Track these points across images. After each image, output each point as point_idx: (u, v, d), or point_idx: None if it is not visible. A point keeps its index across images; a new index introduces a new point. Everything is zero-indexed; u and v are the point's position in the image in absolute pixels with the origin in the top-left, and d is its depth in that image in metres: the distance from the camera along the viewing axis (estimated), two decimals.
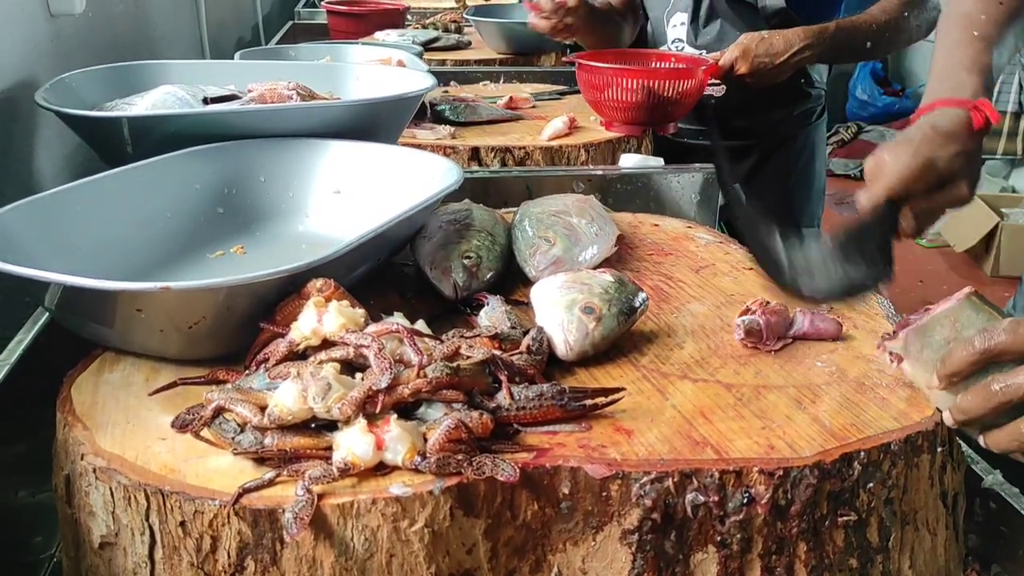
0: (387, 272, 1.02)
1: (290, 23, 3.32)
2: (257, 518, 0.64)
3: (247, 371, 0.77)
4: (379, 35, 2.50)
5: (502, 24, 2.52)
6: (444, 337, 0.79)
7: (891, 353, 0.78)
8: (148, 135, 1.06)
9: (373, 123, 1.16)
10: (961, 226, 4.21)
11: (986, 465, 0.88)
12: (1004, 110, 4.73)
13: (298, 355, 0.76)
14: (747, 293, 1.00)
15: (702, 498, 0.69)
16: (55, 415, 0.76)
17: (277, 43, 2.92)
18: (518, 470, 0.66)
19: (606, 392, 0.76)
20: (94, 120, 1.11)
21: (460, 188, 0.98)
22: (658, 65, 1.72)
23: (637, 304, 0.88)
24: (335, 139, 1.11)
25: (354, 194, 1.08)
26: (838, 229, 0.90)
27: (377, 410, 0.68)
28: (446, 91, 1.93)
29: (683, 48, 1.81)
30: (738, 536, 0.70)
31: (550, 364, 0.82)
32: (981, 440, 0.73)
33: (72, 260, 0.84)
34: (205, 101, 1.21)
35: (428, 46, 2.45)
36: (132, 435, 0.72)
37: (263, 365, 0.76)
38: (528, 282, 0.96)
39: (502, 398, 0.73)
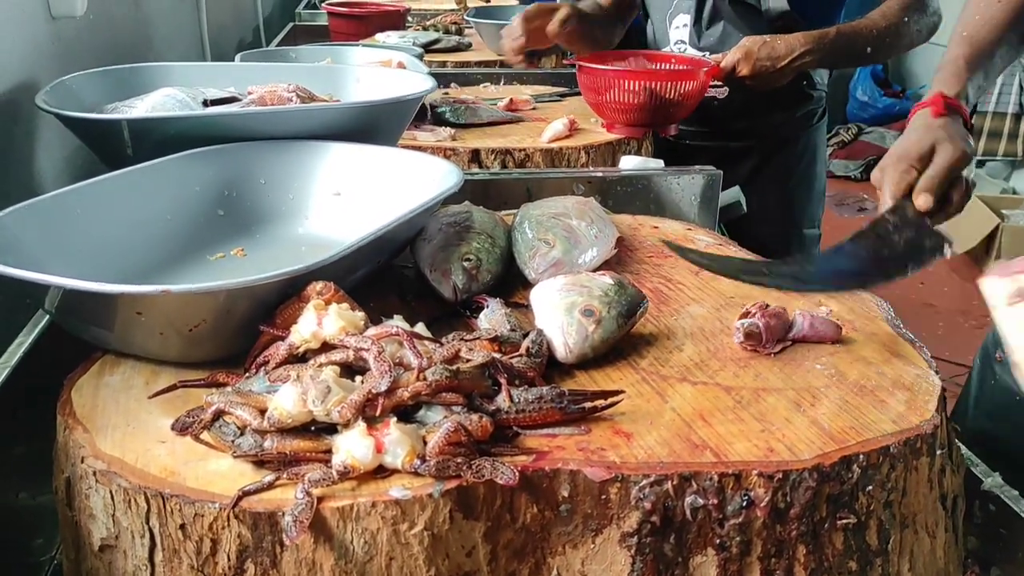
0: (387, 274, 1.02)
1: (291, 25, 3.32)
2: (257, 521, 0.64)
3: (247, 374, 0.77)
4: (380, 37, 2.50)
5: (503, 26, 2.51)
6: (444, 340, 0.79)
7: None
8: (148, 137, 1.07)
9: (373, 125, 1.16)
10: (962, 227, 4.21)
11: (985, 468, 0.88)
12: (1005, 111, 4.73)
13: (298, 358, 0.76)
14: (746, 295, 1.00)
15: (701, 501, 0.69)
16: (55, 418, 0.76)
17: (278, 45, 2.93)
18: (517, 473, 0.66)
19: (605, 395, 0.76)
20: (94, 122, 1.11)
21: (460, 190, 0.98)
22: (659, 66, 1.72)
23: (637, 307, 0.88)
24: (335, 141, 1.11)
25: (354, 196, 1.08)
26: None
27: (377, 413, 0.68)
28: (446, 93, 1.93)
29: (685, 50, 1.80)
30: (737, 539, 0.70)
31: (549, 367, 0.82)
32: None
33: (72, 262, 0.85)
34: (205, 103, 1.21)
35: (429, 48, 2.45)
36: (132, 438, 0.72)
37: (263, 368, 0.76)
38: (528, 284, 0.97)
39: (502, 401, 0.73)
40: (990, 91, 4.73)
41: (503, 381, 0.74)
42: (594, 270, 0.97)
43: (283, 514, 0.63)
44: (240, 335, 0.79)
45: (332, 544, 0.65)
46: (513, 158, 1.55)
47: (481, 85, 2.12)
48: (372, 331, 0.75)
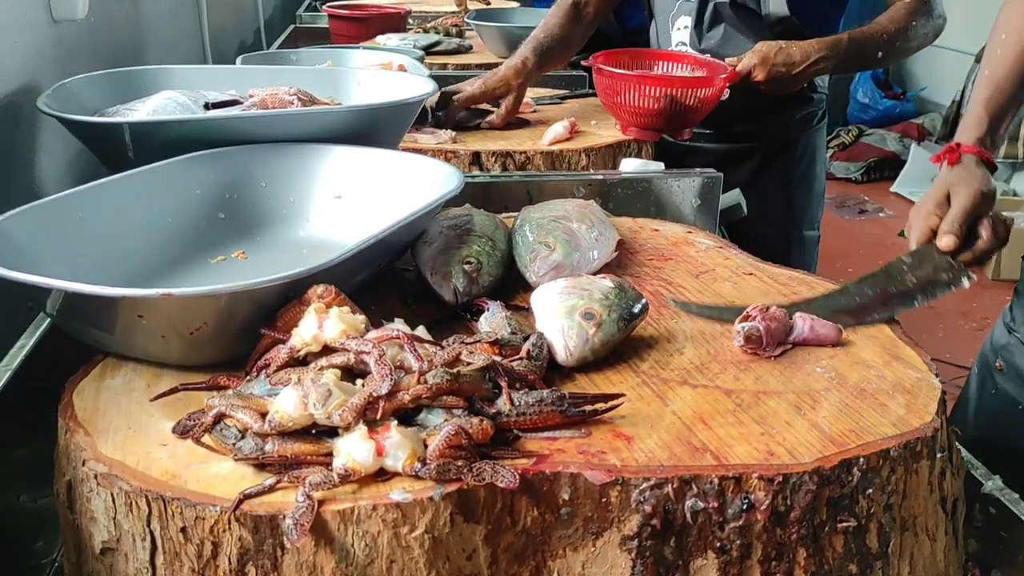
0: (388, 277, 1.02)
1: (292, 27, 3.33)
2: (258, 524, 0.64)
3: (248, 377, 0.77)
4: (380, 39, 2.50)
5: (503, 28, 2.52)
6: (444, 343, 0.79)
7: None
8: (149, 140, 1.07)
9: (374, 128, 1.16)
10: None
11: (986, 470, 0.88)
12: None
13: (299, 361, 0.76)
14: (747, 298, 1.00)
15: (701, 504, 0.69)
16: (57, 421, 0.76)
17: (279, 47, 2.93)
18: (518, 476, 0.66)
19: (606, 398, 0.76)
20: (96, 125, 1.11)
21: (461, 193, 0.98)
22: (674, 67, 1.72)
23: (637, 310, 0.88)
24: (336, 144, 1.11)
25: (355, 199, 1.08)
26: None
27: (378, 416, 0.68)
28: None
29: (685, 51, 1.81)
30: (737, 542, 0.70)
31: (550, 370, 0.82)
32: None
33: (74, 266, 0.85)
34: (206, 106, 1.21)
35: (429, 50, 2.45)
36: (133, 441, 0.72)
37: (264, 371, 0.76)
38: (528, 287, 0.97)
39: (502, 404, 0.73)
40: None
41: (504, 384, 0.74)
42: (595, 273, 0.97)
43: (284, 517, 0.63)
44: (241, 338, 0.79)
45: (333, 547, 0.65)
46: (514, 161, 1.55)
47: None
48: (373, 334, 0.75)
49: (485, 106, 1.74)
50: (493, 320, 0.88)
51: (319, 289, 0.78)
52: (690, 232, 1.22)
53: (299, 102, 1.20)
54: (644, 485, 0.68)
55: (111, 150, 1.10)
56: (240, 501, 0.64)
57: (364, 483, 0.67)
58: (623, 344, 0.87)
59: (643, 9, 2.01)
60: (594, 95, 1.99)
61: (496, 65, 2.43)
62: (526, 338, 0.82)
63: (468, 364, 0.74)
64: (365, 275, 0.93)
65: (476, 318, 0.91)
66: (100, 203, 0.95)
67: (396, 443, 0.67)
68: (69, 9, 1.38)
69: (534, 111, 1.86)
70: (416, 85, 1.29)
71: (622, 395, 0.77)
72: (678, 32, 1.83)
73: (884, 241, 4.52)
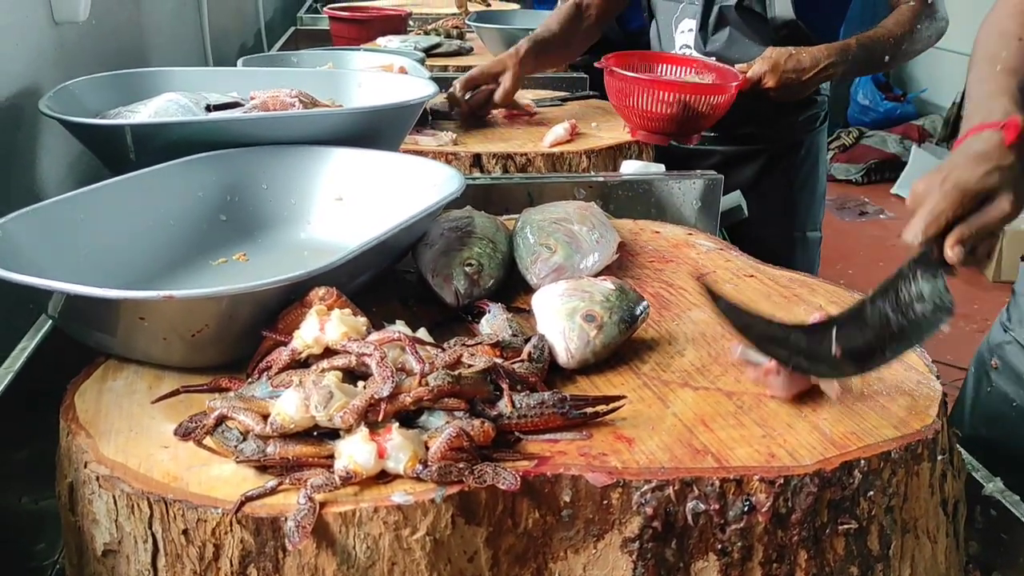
0: (389, 279, 1.03)
1: (292, 29, 3.33)
2: (260, 526, 0.64)
3: (250, 379, 0.77)
4: (381, 41, 2.51)
5: (503, 30, 2.52)
6: (446, 345, 0.79)
7: None
8: (151, 142, 1.07)
9: (375, 130, 1.17)
10: None
11: (987, 473, 0.88)
12: None
13: (300, 363, 0.76)
14: (748, 300, 1.00)
15: (703, 506, 0.69)
16: (58, 422, 0.76)
17: (279, 49, 2.93)
18: (519, 478, 0.66)
19: (607, 400, 0.76)
20: (97, 128, 1.11)
21: (462, 195, 0.98)
22: (682, 71, 1.72)
23: (638, 312, 0.88)
24: (337, 146, 1.11)
25: (356, 201, 1.08)
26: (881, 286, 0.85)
27: (379, 418, 0.68)
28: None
29: (691, 55, 1.81)
30: (739, 544, 0.70)
31: (551, 372, 0.82)
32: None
33: (75, 268, 0.85)
34: (208, 108, 1.21)
35: (430, 52, 2.46)
36: (135, 443, 0.72)
37: (265, 373, 0.76)
38: (529, 289, 0.97)
39: (503, 406, 0.73)
40: None
41: (505, 386, 0.74)
42: (595, 275, 0.98)
43: (285, 519, 0.63)
44: (243, 340, 0.79)
45: (334, 549, 0.65)
46: (515, 163, 1.55)
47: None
48: (374, 336, 0.75)
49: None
50: (494, 322, 0.88)
51: (320, 291, 0.78)
52: (691, 234, 1.22)
53: (300, 104, 1.21)
54: (645, 487, 0.69)
55: (113, 152, 1.10)
56: (242, 503, 0.64)
57: (365, 485, 0.67)
58: (624, 346, 0.87)
59: (642, 11, 2.01)
60: (595, 97, 1.99)
61: None
62: (527, 340, 0.82)
63: (469, 366, 0.75)
64: (366, 277, 0.93)
65: (477, 320, 0.91)
66: (101, 205, 0.95)
67: (397, 445, 0.67)
68: (71, 11, 1.38)
69: (535, 113, 1.86)
70: (417, 87, 1.29)
71: (623, 397, 0.77)
72: (682, 35, 1.83)
73: (884, 243, 4.52)
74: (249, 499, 0.65)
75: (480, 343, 0.80)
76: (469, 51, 2.63)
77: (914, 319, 0.82)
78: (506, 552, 0.70)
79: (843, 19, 1.81)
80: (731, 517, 0.69)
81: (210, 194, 1.06)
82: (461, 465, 0.67)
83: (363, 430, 0.67)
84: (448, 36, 2.68)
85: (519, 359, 0.80)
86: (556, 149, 1.57)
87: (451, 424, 0.69)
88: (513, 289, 1.00)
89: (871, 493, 0.72)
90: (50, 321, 0.94)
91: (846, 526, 0.71)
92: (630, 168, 1.50)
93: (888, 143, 5.31)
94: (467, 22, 2.80)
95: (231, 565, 0.65)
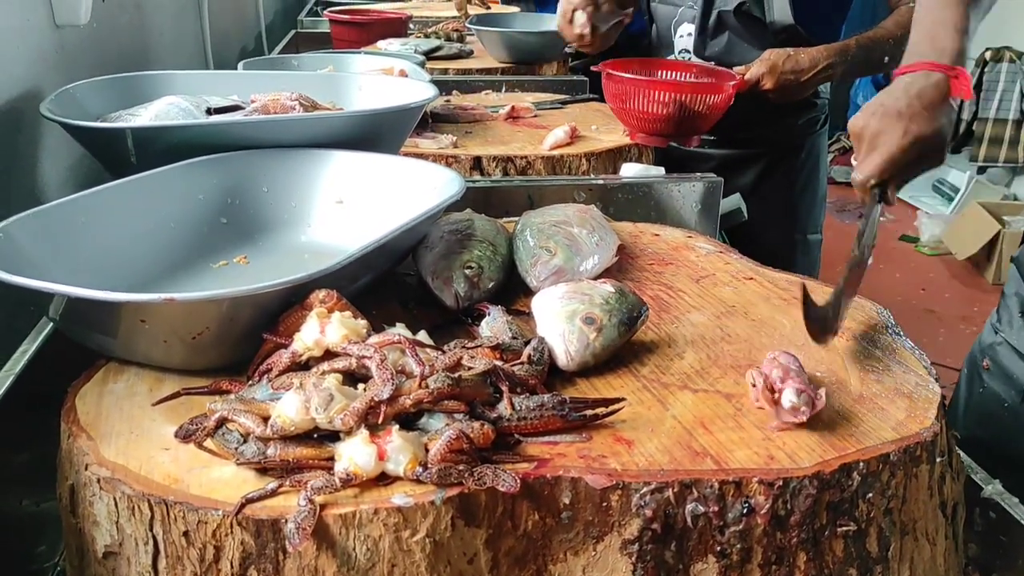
0: (389, 282, 1.03)
1: (293, 32, 3.33)
2: (260, 528, 0.64)
3: (250, 382, 0.78)
4: (381, 44, 2.51)
5: (504, 33, 2.53)
6: (445, 348, 0.79)
7: None
8: (152, 146, 1.07)
9: (376, 133, 1.17)
10: (963, 234, 4.22)
11: (986, 475, 0.88)
12: (1005, 118, 4.74)
13: (301, 366, 0.76)
14: (747, 303, 1.00)
15: (702, 508, 0.69)
16: (59, 425, 0.76)
17: (280, 52, 2.93)
18: (519, 480, 0.67)
19: (606, 402, 0.77)
20: (98, 131, 1.12)
21: (462, 198, 0.98)
22: (681, 76, 1.73)
23: (637, 314, 0.89)
24: (338, 149, 1.11)
25: (357, 204, 1.09)
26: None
27: (379, 421, 0.68)
28: (448, 100, 1.94)
29: (690, 59, 1.81)
30: (738, 546, 0.70)
31: (551, 374, 0.82)
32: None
33: (76, 270, 0.85)
34: (208, 111, 1.22)
35: (430, 55, 2.46)
36: (136, 445, 0.72)
37: (266, 376, 0.76)
38: (529, 292, 0.97)
39: (503, 408, 0.73)
40: (991, 98, 4.75)
41: (505, 389, 0.74)
42: (595, 278, 0.98)
43: (286, 521, 0.63)
44: (243, 343, 0.79)
45: (335, 551, 0.65)
46: (515, 166, 1.55)
47: (483, 92, 2.13)
48: (374, 339, 0.76)
49: None
50: (494, 325, 0.88)
51: (321, 294, 0.78)
52: (690, 237, 1.22)
53: (301, 107, 1.21)
54: (644, 489, 0.69)
55: (114, 155, 1.10)
56: (242, 505, 0.64)
57: (366, 487, 0.67)
58: (624, 349, 0.87)
59: (642, 14, 2.02)
60: (595, 100, 2.00)
61: (497, 70, 2.45)
62: (527, 343, 0.83)
63: (469, 369, 0.75)
64: (367, 280, 0.93)
65: (477, 323, 0.91)
66: (103, 208, 0.96)
67: (397, 447, 0.67)
68: (72, 15, 1.39)
69: (535, 116, 1.86)
70: (417, 90, 1.29)
71: (623, 399, 0.78)
72: (681, 39, 1.84)
73: (884, 245, 4.52)
74: (249, 501, 0.65)
75: (480, 346, 0.80)
76: (469, 54, 2.64)
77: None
78: (506, 554, 0.70)
79: (843, 22, 1.81)
80: (730, 519, 0.70)
81: (211, 197, 1.06)
82: (461, 467, 0.67)
83: (363, 432, 0.67)
84: (448, 39, 2.69)
85: (519, 361, 0.80)
86: (556, 152, 1.58)
87: (451, 426, 0.69)
88: (513, 292, 1.00)
89: (870, 495, 0.72)
90: (51, 324, 0.94)
91: (845, 528, 0.72)
92: (630, 171, 1.51)
93: None
94: (467, 25, 2.81)
95: (231, 567, 0.65)
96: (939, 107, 0.93)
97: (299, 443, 0.68)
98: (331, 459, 0.67)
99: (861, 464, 0.71)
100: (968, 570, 0.87)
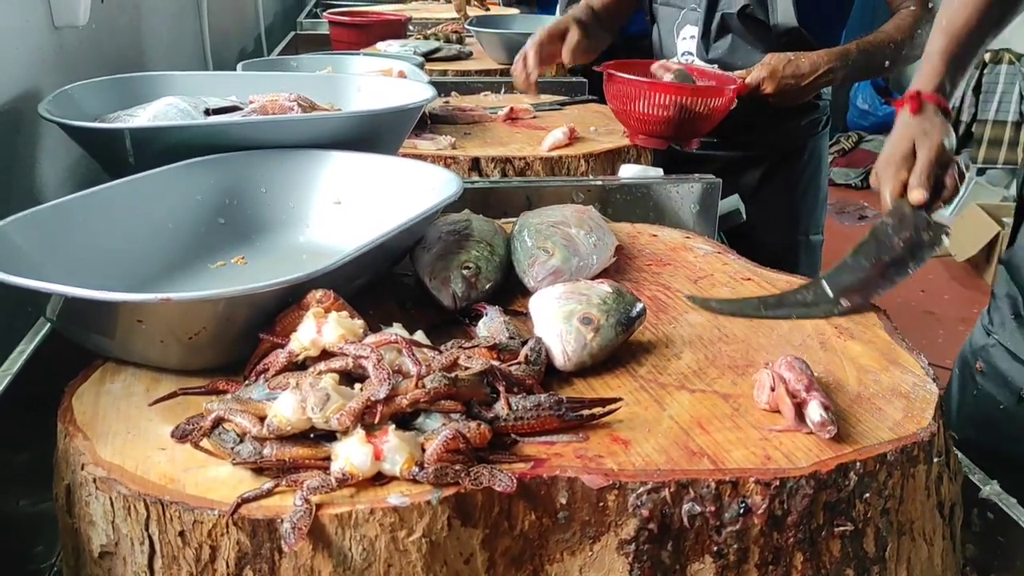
0: (387, 282, 1.03)
1: (292, 34, 3.34)
2: (256, 528, 0.64)
3: (247, 381, 0.77)
4: (381, 46, 2.51)
5: (503, 35, 2.53)
6: (443, 348, 0.79)
7: None
8: (150, 146, 1.07)
9: (374, 134, 1.17)
10: (962, 236, 4.22)
11: (983, 475, 0.88)
12: (1005, 120, 4.74)
13: (297, 366, 0.76)
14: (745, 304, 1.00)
15: (699, 508, 0.69)
16: (56, 425, 0.76)
17: (279, 54, 2.94)
18: (515, 480, 0.66)
19: (603, 402, 0.77)
20: (96, 131, 1.12)
21: (460, 198, 0.98)
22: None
23: (635, 314, 0.89)
24: (336, 150, 1.11)
25: (355, 205, 1.09)
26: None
27: (375, 420, 0.68)
28: (447, 102, 1.94)
29: (693, 61, 1.81)
30: (734, 546, 0.70)
31: (548, 374, 0.82)
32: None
33: (74, 271, 0.85)
34: (207, 112, 1.22)
35: (429, 57, 2.46)
36: (132, 445, 0.72)
37: (262, 375, 0.76)
38: (527, 292, 0.97)
39: (500, 408, 0.73)
40: (991, 100, 4.75)
41: (501, 389, 0.74)
42: (593, 278, 0.98)
43: (282, 521, 0.63)
44: (240, 343, 0.79)
45: (330, 551, 0.65)
46: (513, 167, 1.55)
47: (482, 94, 2.13)
48: (371, 339, 0.76)
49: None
50: (491, 325, 0.88)
51: (318, 294, 0.78)
52: (688, 237, 1.22)
53: (299, 108, 1.21)
54: (641, 489, 0.69)
55: (112, 156, 1.10)
56: (238, 505, 0.64)
57: (362, 487, 0.67)
58: (621, 349, 0.87)
59: (643, 14, 2.02)
60: (594, 101, 2.00)
61: (496, 71, 2.45)
62: (524, 343, 0.83)
63: (466, 369, 0.75)
64: (364, 280, 0.93)
65: (474, 323, 0.91)
66: (100, 208, 0.96)
67: (394, 447, 0.67)
68: (70, 15, 1.39)
69: (534, 117, 1.87)
70: (416, 91, 1.29)
71: (619, 400, 0.77)
72: (683, 41, 1.84)
73: None
74: (245, 501, 0.65)
75: (477, 346, 0.80)
76: (468, 55, 2.64)
77: (908, 247, 0.99)
78: (502, 554, 0.70)
79: (844, 25, 1.81)
80: (727, 519, 0.69)
81: (209, 198, 1.06)
82: (457, 467, 0.67)
83: (359, 432, 0.67)
84: (448, 40, 2.69)
85: (516, 361, 0.80)
86: (554, 153, 1.58)
87: (447, 426, 0.69)
88: (511, 292, 1.00)
89: (867, 495, 0.72)
90: (48, 324, 0.94)
91: (842, 528, 0.72)
92: (628, 172, 1.51)
93: None
94: (466, 27, 2.81)
95: (227, 567, 0.65)
96: (903, 126, 1.06)
97: (295, 443, 0.68)
98: (327, 459, 0.67)
99: (858, 464, 0.71)
100: (966, 571, 0.87)
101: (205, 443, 0.71)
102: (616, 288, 0.90)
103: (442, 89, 2.01)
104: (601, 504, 0.69)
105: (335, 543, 0.65)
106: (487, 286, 0.96)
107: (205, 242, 1.03)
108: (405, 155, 1.29)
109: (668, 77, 1.62)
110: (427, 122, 1.72)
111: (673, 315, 0.97)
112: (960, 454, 0.87)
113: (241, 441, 0.69)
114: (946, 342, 3.48)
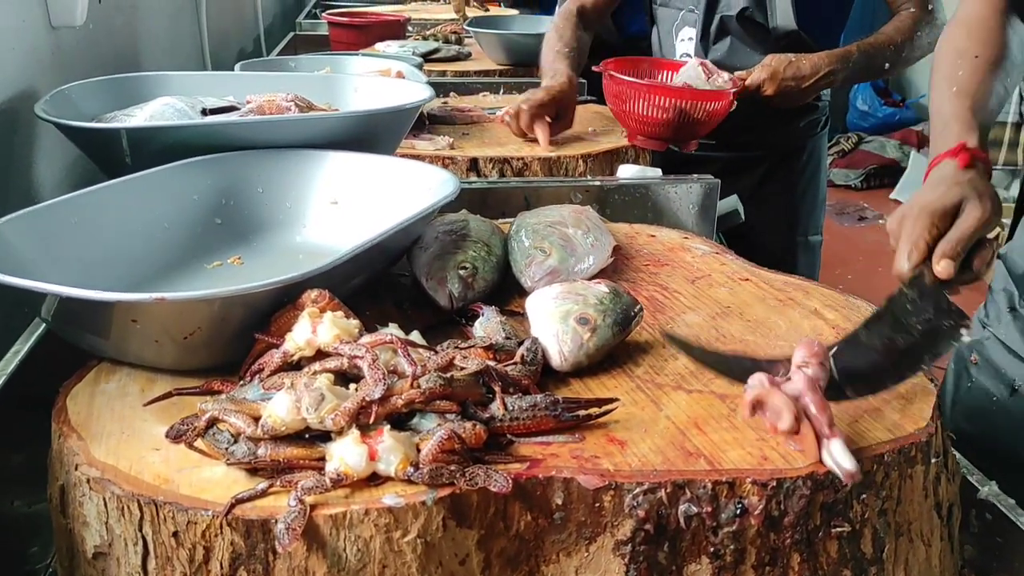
0: (384, 282, 1.02)
1: (291, 34, 3.34)
2: (250, 528, 0.64)
3: (242, 382, 0.77)
4: (380, 46, 2.51)
5: (502, 35, 2.53)
6: (439, 348, 0.79)
7: None
8: (146, 146, 1.07)
9: (371, 134, 1.17)
10: None
11: (982, 476, 0.88)
12: (1004, 121, 4.74)
13: (292, 366, 0.76)
14: (743, 304, 1.00)
15: (695, 509, 0.69)
16: (51, 425, 0.76)
17: (278, 54, 2.94)
18: (511, 481, 0.66)
19: (600, 403, 0.76)
20: (93, 131, 1.11)
21: (458, 199, 0.98)
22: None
23: (632, 315, 0.88)
24: (333, 150, 1.11)
25: (351, 205, 1.08)
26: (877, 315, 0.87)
27: (370, 421, 0.68)
28: (445, 102, 1.94)
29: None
30: (731, 547, 0.70)
31: (544, 375, 0.82)
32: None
33: (69, 271, 0.85)
34: (204, 112, 1.22)
35: (428, 57, 2.46)
36: (126, 445, 0.72)
37: (258, 376, 0.76)
38: (524, 292, 0.97)
39: (496, 409, 0.73)
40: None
41: (497, 389, 0.74)
42: (590, 278, 0.97)
43: (276, 521, 0.63)
44: (235, 343, 0.79)
45: (325, 552, 0.65)
46: (511, 167, 1.55)
47: (480, 94, 2.13)
48: (366, 339, 0.75)
49: None
50: (488, 325, 0.88)
51: (313, 294, 0.78)
52: (686, 238, 1.22)
53: (296, 108, 1.21)
54: (637, 490, 0.68)
55: (108, 156, 1.10)
56: (232, 505, 0.64)
57: (356, 487, 0.66)
58: (618, 349, 0.87)
59: (642, 14, 2.02)
60: (593, 102, 1.99)
61: (495, 72, 2.45)
62: (521, 343, 0.82)
63: (462, 369, 0.74)
64: (361, 280, 0.93)
65: (471, 323, 0.91)
66: (96, 208, 0.96)
67: (389, 447, 0.66)
68: (68, 15, 1.38)
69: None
70: (413, 91, 1.29)
71: (616, 400, 0.77)
72: (682, 43, 1.84)
73: (884, 248, 4.51)
74: (239, 501, 0.64)
75: (473, 346, 0.80)
76: (467, 56, 2.64)
77: (925, 333, 0.82)
78: (498, 555, 0.70)
79: (843, 28, 1.81)
80: (724, 520, 0.69)
81: (205, 197, 1.06)
82: (452, 467, 0.67)
83: (354, 432, 0.67)
84: (447, 41, 2.69)
85: (512, 362, 0.79)
86: (553, 153, 1.58)
87: (443, 426, 0.69)
88: (507, 292, 1.00)
89: (864, 496, 0.72)
90: (43, 324, 0.93)
91: (839, 529, 0.71)
92: (627, 172, 1.50)
93: (887, 148, 5.31)
94: (465, 27, 2.81)
95: (221, 567, 0.65)
96: (946, 178, 0.92)
97: (290, 443, 0.68)
98: (322, 459, 0.67)
99: None
100: (964, 572, 0.87)
101: (199, 443, 0.70)
102: (613, 288, 0.90)
103: (441, 90, 2.01)
104: (597, 505, 0.69)
105: (329, 544, 0.65)
106: (484, 286, 0.96)
107: (202, 242, 1.03)
108: (404, 156, 1.28)
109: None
110: (425, 122, 1.72)
111: (670, 315, 0.97)
112: (958, 454, 0.87)
113: (235, 441, 0.69)
114: None
